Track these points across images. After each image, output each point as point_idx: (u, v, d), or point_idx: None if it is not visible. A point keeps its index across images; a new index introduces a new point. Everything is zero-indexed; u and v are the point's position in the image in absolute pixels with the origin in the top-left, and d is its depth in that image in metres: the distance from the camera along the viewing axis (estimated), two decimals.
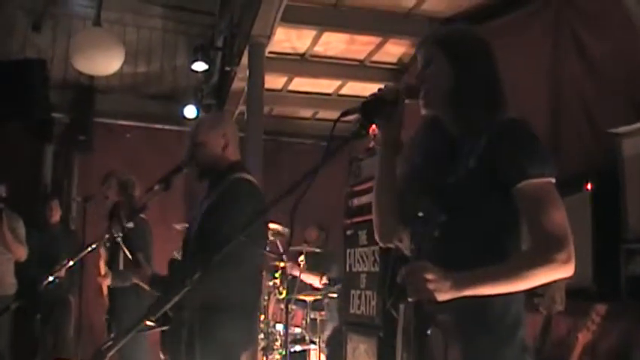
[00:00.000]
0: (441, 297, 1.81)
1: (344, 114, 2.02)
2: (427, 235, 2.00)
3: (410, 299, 1.85)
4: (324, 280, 6.54)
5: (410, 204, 2.09)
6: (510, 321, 1.95)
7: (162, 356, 3.45)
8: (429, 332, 1.96)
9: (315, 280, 6.62)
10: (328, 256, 6.88)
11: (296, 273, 6.30)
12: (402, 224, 2.16)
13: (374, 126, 2.10)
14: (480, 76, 2.04)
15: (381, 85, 2.11)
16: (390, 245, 2.26)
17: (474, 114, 2.00)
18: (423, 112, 2.11)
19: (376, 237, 2.31)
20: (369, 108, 2.04)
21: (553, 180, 1.91)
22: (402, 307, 2.00)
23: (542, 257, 1.84)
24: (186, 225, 3.71)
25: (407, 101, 2.10)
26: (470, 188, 1.95)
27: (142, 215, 5.04)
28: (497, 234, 1.96)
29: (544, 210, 1.87)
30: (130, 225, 4.16)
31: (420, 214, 2.01)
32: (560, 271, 1.83)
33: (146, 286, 3.34)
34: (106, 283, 5.31)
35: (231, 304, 3.16)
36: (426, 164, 2.10)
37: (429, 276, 1.80)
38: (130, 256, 4.06)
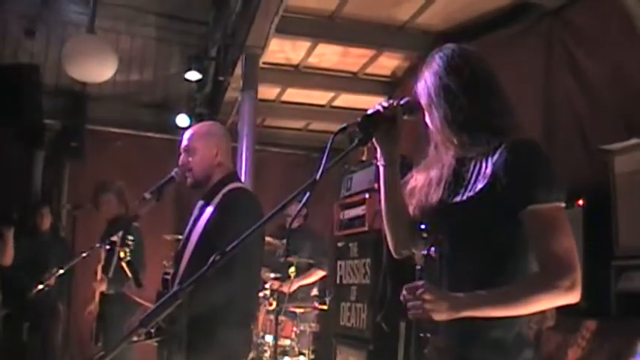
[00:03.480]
0: (438, 317, 1.82)
1: (343, 129, 2.01)
2: (433, 254, 1.99)
3: (409, 318, 1.86)
4: (318, 274, 6.56)
5: (418, 221, 2.08)
6: (513, 340, 1.92)
7: None
8: (425, 351, 1.96)
9: (308, 279, 6.63)
10: (306, 234, 6.91)
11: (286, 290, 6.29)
12: (415, 234, 2.13)
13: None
14: (484, 98, 2.01)
15: (374, 98, 2.11)
16: (404, 254, 2.25)
17: (481, 136, 1.98)
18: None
19: (391, 249, 2.30)
20: (368, 123, 2.03)
21: (562, 204, 1.88)
22: (402, 325, 2.01)
23: (545, 283, 1.82)
24: (178, 236, 3.71)
25: (406, 117, 2.11)
26: (476, 209, 1.93)
27: (136, 224, 5.06)
28: (504, 256, 1.93)
29: (550, 235, 1.84)
30: (131, 243, 4.18)
31: (426, 233, 2.00)
32: (563, 298, 1.81)
33: (147, 304, 3.34)
34: (101, 288, 5.30)
35: (230, 313, 3.16)
36: (437, 182, 2.08)
37: (427, 296, 1.81)
38: (130, 274, 4.06)
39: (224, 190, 3.32)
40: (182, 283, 1.80)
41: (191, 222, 3.41)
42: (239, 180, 3.54)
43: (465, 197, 1.96)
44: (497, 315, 1.85)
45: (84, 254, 4.32)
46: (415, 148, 2.23)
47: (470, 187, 1.97)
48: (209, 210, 3.30)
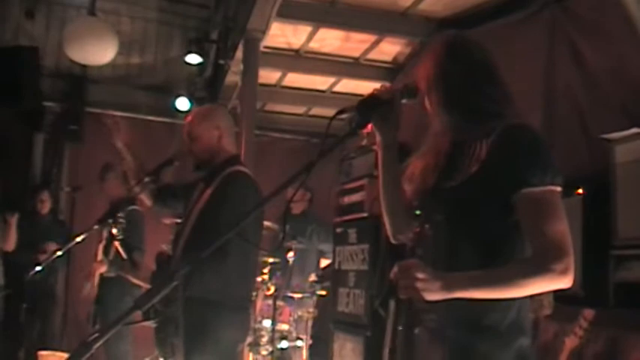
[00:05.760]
0: (430, 297, 1.80)
1: (340, 112, 2.01)
2: (426, 236, 1.99)
3: (400, 297, 1.84)
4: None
5: (413, 204, 2.08)
6: (507, 327, 1.91)
7: (156, 351, 3.45)
8: (416, 331, 1.95)
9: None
10: (310, 218, 6.95)
11: None
12: (412, 217, 2.13)
13: (369, 125, 2.09)
14: (481, 85, 2.02)
15: (375, 84, 2.10)
16: (402, 239, 2.24)
17: (476, 121, 1.99)
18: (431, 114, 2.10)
19: (389, 234, 2.30)
20: (366, 107, 2.03)
21: (557, 188, 1.87)
22: (392, 303, 1.99)
23: (539, 266, 1.81)
24: (176, 220, 3.72)
25: (404, 101, 2.10)
26: (470, 193, 1.93)
27: (136, 206, 5.06)
28: (498, 240, 1.93)
29: (543, 219, 1.84)
30: (123, 221, 4.18)
31: (420, 215, 1.99)
32: (557, 282, 1.81)
33: (144, 285, 3.35)
34: (100, 270, 5.30)
35: (227, 297, 3.16)
36: (433, 167, 2.08)
37: (420, 275, 1.79)
38: (125, 256, 4.05)
39: (223, 173, 3.32)
40: (178, 265, 1.79)
41: (191, 204, 3.41)
42: (240, 163, 3.53)
43: (459, 181, 1.96)
44: (490, 296, 1.84)
45: (79, 238, 4.33)
46: (415, 135, 2.23)
47: (464, 170, 1.96)
48: (208, 192, 3.30)
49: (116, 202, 5.47)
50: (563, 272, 1.80)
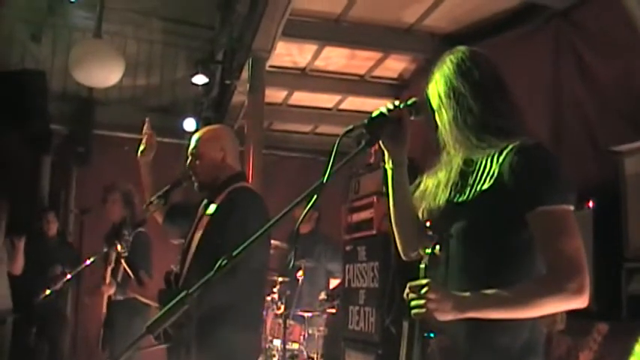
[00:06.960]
0: (442, 317, 1.79)
1: (349, 130, 2.00)
2: (438, 252, 1.97)
3: (412, 317, 1.83)
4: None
5: (424, 220, 2.07)
6: (520, 347, 1.89)
7: None
8: (428, 351, 1.93)
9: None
10: (317, 238, 6.94)
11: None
12: (423, 235, 2.11)
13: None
14: (492, 101, 2.01)
15: (381, 101, 2.10)
16: (413, 257, 2.23)
17: (487, 137, 1.98)
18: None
19: (400, 251, 2.29)
20: (375, 125, 2.02)
21: (570, 207, 1.86)
22: (405, 324, 1.97)
23: (553, 286, 1.80)
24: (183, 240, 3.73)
25: (412, 118, 2.10)
26: (480, 209, 1.93)
27: (142, 229, 5.04)
28: (509, 257, 1.92)
29: (557, 238, 1.82)
30: (129, 238, 4.18)
31: (432, 231, 1.97)
32: (572, 302, 1.78)
33: (152, 303, 3.34)
34: (109, 292, 5.28)
35: (237, 317, 3.15)
36: (445, 183, 2.08)
37: (431, 295, 1.78)
38: (132, 276, 4.05)
39: (227, 190, 3.33)
40: (186, 283, 1.78)
41: (195, 222, 3.41)
42: (244, 180, 3.54)
43: (469, 197, 1.97)
44: (504, 317, 1.82)
45: (90, 260, 4.33)
46: (423, 150, 2.22)
47: (475, 187, 1.97)
48: (212, 209, 3.30)
49: (118, 224, 5.45)
50: (578, 291, 1.77)
